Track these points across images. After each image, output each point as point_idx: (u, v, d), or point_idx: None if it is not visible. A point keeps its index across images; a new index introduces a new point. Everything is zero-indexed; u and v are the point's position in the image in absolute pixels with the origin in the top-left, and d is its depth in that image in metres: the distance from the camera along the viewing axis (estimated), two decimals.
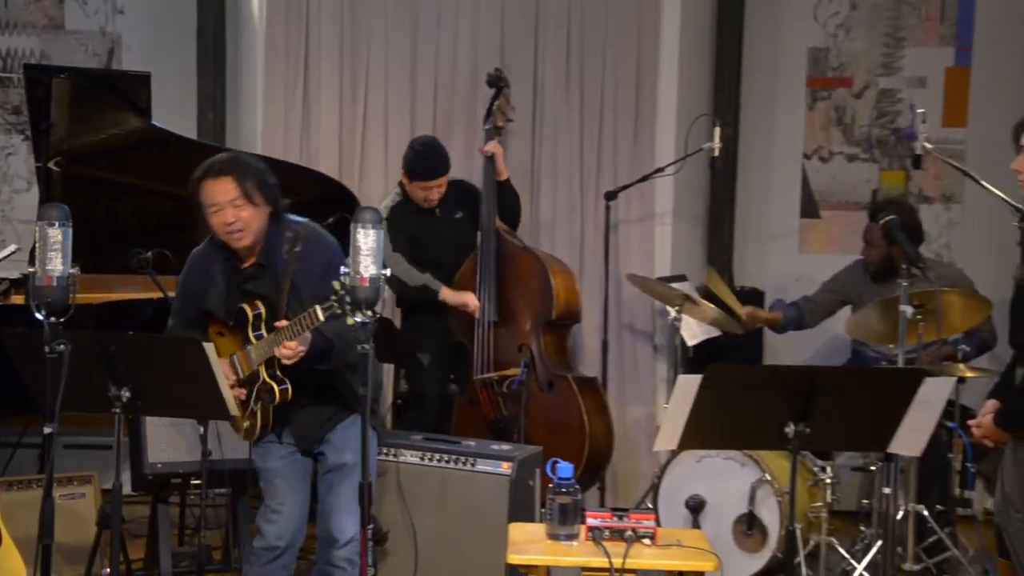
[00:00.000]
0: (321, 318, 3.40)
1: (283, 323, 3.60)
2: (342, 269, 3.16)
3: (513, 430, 5.17)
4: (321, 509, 3.90)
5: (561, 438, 5.17)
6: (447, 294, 5.36)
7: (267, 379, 3.73)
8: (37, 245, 3.16)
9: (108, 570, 3.77)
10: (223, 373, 3.51)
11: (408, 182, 5.39)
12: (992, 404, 3.61)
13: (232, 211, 3.69)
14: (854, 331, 5.05)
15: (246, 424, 3.84)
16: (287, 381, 3.73)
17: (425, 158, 5.37)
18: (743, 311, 5.47)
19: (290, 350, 3.58)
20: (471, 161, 5.81)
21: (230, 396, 3.50)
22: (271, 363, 3.72)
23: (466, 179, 5.65)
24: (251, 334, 3.74)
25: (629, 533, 3.49)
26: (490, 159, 5.48)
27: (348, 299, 3.15)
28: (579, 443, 5.22)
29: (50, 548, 3.25)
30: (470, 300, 5.33)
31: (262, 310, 3.74)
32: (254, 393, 3.76)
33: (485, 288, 5.38)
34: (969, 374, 4.84)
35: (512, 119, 5.78)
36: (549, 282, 5.36)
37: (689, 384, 3.29)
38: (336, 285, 3.17)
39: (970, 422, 3.66)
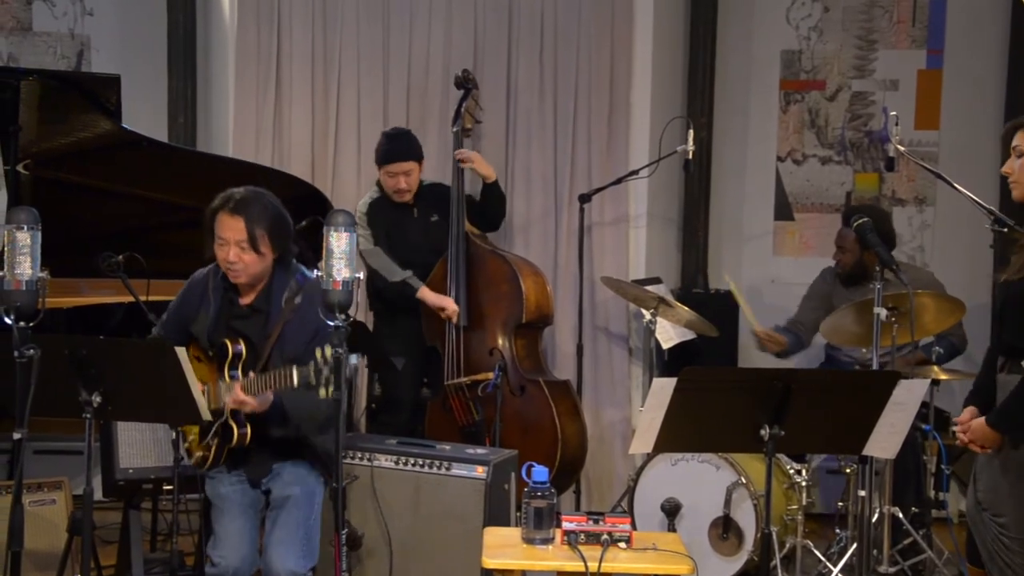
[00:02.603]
0: (295, 383, 3.40)
1: (252, 376, 3.62)
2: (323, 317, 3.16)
3: (485, 435, 5.17)
4: (264, 544, 3.87)
5: (533, 442, 5.17)
6: (427, 294, 5.35)
7: (230, 419, 3.72)
8: (6, 248, 3.14)
9: None
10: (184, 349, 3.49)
11: (379, 172, 5.41)
12: (971, 411, 3.62)
13: (235, 250, 3.72)
14: (829, 334, 5.08)
15: (199, 454, 3.85)
16: (247, 426, 3.73)
17: (390, 142, 5.41)
18: (760, 330, 5.48)
19: (236, 402, 3.61)
20: (445, 162, 5.80)
21: (202, 400, 3.49)
22: None
23: (438, 179, 5.64)
24: (227, 371, 3.74)
25: (605, 537, 3.49)
26: (459, 164, 5.47)
27: (325, 373, 3.16)
28: (551, 447, 5.22)
29: (19, 555, 3.23)
30: (449, 305, 5.33)
31: (243, 350, 3.75)
32: (214, 428, 3.74)
33: (455, 292, 5.37)
34: (943, 376, 4.87)
35: (481, 120, 5.78)
36: (519, 285, 5.36)
37: (664, 387, 3.30)
38: (318, 354, 3.18)
39: (956, 428, 3.67)
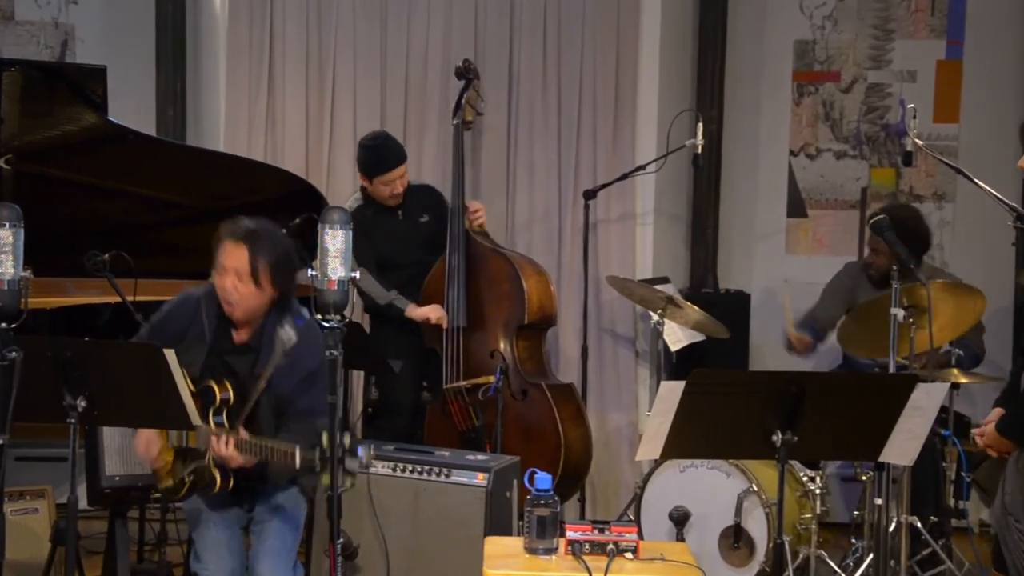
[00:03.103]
0: (297, 465, 3.37)
1: (245, 436, 3.59)
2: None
3: (485, 441, 5.17)
4: (252, 556, 3.87)
5: (535, 448, 5.17)
6: (413, 311, 5.36)
7: (212, 466, 3.69)
8: None
9: None
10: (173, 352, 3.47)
11: (370, 184, 5.38)
12: (997, 412, 3.63)
13: (233, 280, 3.72)
14: (844, 341, 5.06)
15: (168, 483, 3.84)
16: (231, 474, 3.70)
17: (379, 152, 5.39)
18: (794, 334, 5.48)
19: (222, 456, 3.58)
20: (444, 158, 5.81)
21: (192, 405, 3.48)
22: None
23: (438, 175, 5.65)
24: (211, 416, 3.71)
25: (610, 547, 3.49)
26: (459, 156, 5.46)
27: (329, 456, 3.12)
28: (555, 453, 5.22)
29: (1, 566, 3.22)
30: (431, 313, 5.33)
31: (231, 395, 3.73)
32: (193, 470, 3.73)
33: (454, 292, 5.37)
34: (963, 380, 4.87)
35: (482, 112, 5.78)
36: (521, 284, 5.36)
37: (672, 390, 3.30)
38: (324, 439, 3.13)
39: (973, 431, 3.68)
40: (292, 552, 3.86)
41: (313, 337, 3.72)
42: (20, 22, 6.44)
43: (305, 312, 3.84)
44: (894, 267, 4.44)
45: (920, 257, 4.66)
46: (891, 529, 4.64)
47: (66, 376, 3.34)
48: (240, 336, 3.85)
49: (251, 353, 3.81)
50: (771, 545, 4.63)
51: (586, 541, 3.51)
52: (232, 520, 3.92)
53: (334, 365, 3.13)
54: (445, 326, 5.35)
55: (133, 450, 4.26)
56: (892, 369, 4.46)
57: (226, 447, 3.57)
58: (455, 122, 5.57)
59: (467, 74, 5.64)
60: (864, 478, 4.92)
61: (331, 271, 3.11)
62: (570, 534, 3.52)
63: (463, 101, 5.58)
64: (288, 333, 3.62)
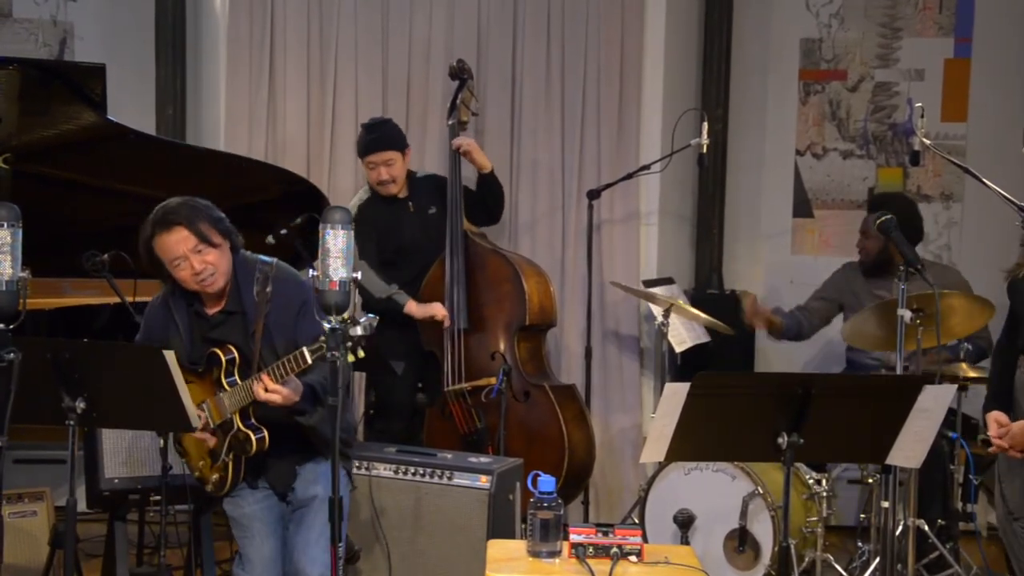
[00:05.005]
0: (309, 361, 3.39)
1: (262, 374, 3.56)
2: (310, 274, 3.15)
3: (487, 443, 5.17)
4: (289, 546, 3.88)
5: (539, 450, 5.17)
6: (413, 308, 5.36)
7: (242, 427, 3.70)
8: None
9: None
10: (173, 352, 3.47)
11: (363, 165, 5.44)
12: (1000, 415, 3.62)
13: (197, 259, 3.69)
14: (851, 337, 5.08)
15: (215, 476, 3.83)
16: (263, 430, 3.71)
17: (369, 131, 5.43)
18: (748, 299, 5.49)
19: (278, 395, 3.52)
20: (445, 156, 5.80)
21: (192, 407, 3.49)
22: (245, 412, 3.70)
23: (441, 174, 5.64)
24: (224, 380, 3.71)
25: (614, 550, 3.48)
26: (456, 155, 5.47)
27: (337, 339, 3.12)
28: (558, 455, 5.22)
29: None
30: (437, 311, 5.33)
31: (236, 355, 3.72)
32: (226, 443, 3.74)
33: (454, 294, 5.37)
34: (972, 374, 4.87)
35: (477, 113, 5.79)
36: (521, 286, 5.36)
37: (677, 392, 3.30)
38: (325, 325, 3.15)
39: (989, 435, 3.66)
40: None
41: (285, 272, 3.80)
42: (18, 19, 6.44)
43: (262, 256, 3.85)
44: (901, 266, 4.44)
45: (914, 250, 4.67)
46: (898, 532, 4.64)
47: (64, 377, 3.35)
48: (216, 307, 3.81)
49: (236, 316, 3.78)
50: (777, 548, 4.62)
51: (590, 544, 3.50)
52: (276, 524, 3.91)
53: (335, 367, 3.12)
54: (448, 325, 5.34)
55: (132, 453, 4.28)
56: (899, 371, 4.47)
57: (263, 389, 3.52)
58: (450, 122, 5.56)
59: (461, 74, 5.63)
60: (871, 481, 4.92)
61: (333, 272, 3.10)
62: (574, 537, 3.52)
63: (458, 101, 5.57)
64: (261, 281, 3.68)
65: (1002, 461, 3.61)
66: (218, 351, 3.73)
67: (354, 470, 4.46)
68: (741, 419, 3.37)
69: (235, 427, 3.71)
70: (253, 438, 3.70)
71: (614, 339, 6.07)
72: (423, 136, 6.05)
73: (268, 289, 3.69)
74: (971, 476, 4.94)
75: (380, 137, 5.41)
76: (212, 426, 3.74)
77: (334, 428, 3.14)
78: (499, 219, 5.71)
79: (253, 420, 3.71)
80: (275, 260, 3.85)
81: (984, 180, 4.55)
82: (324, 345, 3.17)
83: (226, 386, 3.71)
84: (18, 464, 5.48)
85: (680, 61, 6.27)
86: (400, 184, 5.44)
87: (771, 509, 4.68)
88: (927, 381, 3.40)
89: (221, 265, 3.73)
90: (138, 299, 4.62)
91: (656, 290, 5.57)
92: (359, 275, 3.18)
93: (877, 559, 4.66)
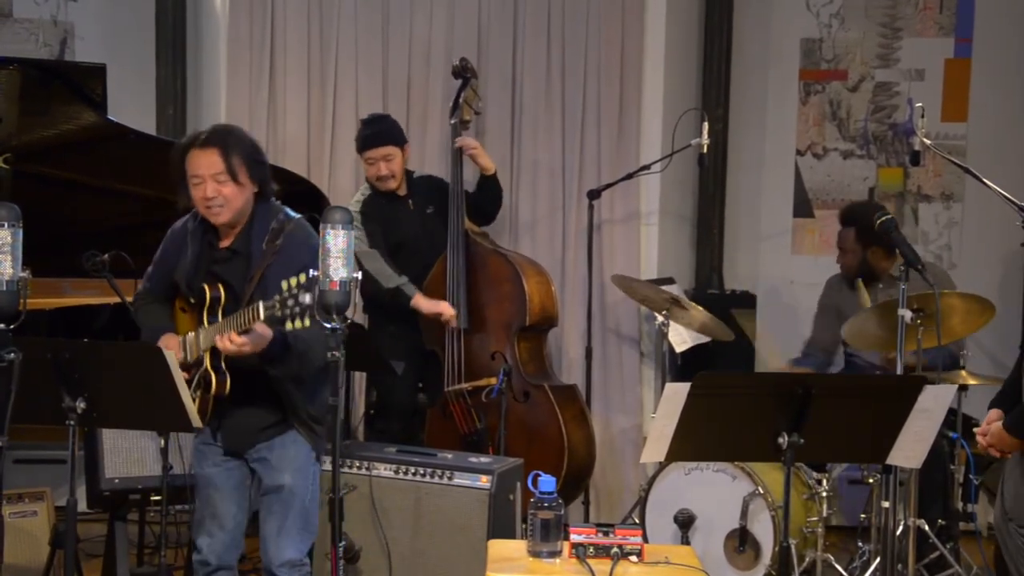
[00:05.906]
0: (261, 317, 3.36)
1: (220, 321, 3.58)
2: (311, 272, 3.15)
3: (488, 444, 5.17)
4: (261, 534, 3.85)
5: (539, 450, 5.17)
6: (420, 301, 5.34)
7: (208, 367, 3.67)
8: None
9: None
10: (173, 352, 3.48)
11: (362, 162, 5.45)
12: (996, 413, 3.63)
13: (213, 185, 3.66)
14: (851, 337, 5.07)
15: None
16: (227, 374, 3.66)
17: (368, 126, 5.45)
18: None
19: (233, 344, 3.50)
20: (446, 156, 5.80)
21: (192, 407, 3.49)
22: (216, 352, 3.65)
23: (445, 174, 5.64)
24: (205, 317, 3.69)
25: (615, 550, 3.49)
26: (457, 154, 5.47)
27: (291, 304, 3.15)
28: (558, 455, 5.22)
29: None
30: (445, 309, 5.32)
31: (222, 294, 3.69)
32: (195, 380, 3.72)
33: (455, 294, 5.37)
34: (972, 381, 4.87)
35: (480, 112, 5.79)
36: (522, 286, 5.36)
37: (677, 392, 3.30)
38: (284, 285, 3.16)
39: (976, 431, 3.68)
40: (301, 527, 3.81)
41: (303, 231, 3.75)
42: (19, 19, 6.44)
43: (289, 210, 3.82)
44: (903, 267, 4.44)
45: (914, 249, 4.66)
46: (898, 532, 4.64)
47: (65, 377, 3.35)
48: (226, 242, 3.78)
49: (240, 257, 3.75)
50: (777, 548, 4.62)
51: (590, 544, 3.50)
52: (235, 489, 3.86)
53: (336, 367, 3.12)
54: (454, 325, 5.34)
55: (132, 452, 4.29)
56: (899, 371, 4.47)
57: (232, 336, 3.50)
58: (452, 121, 5.56)
59: (464, 73, 5.63)
60: (871, 481, 4.91)
61: (333, 272, 3.10)
62: (574, 537, 3.52)
63: (460, 100, 5.57)
64: (276, 229, 3.66)
65: (1012, 462, 3.61)
66: (206, 287, 3.70)
67: (354, 470, 4.48)
68: (741, 419, 3.38)
69: (203, 365, 3.68)
70: (215, 379, 3.66)
71: (614, 339, 6.07)
72: (423, 136, 6.05)
73: (277, 242, 3.66)
74: (971, 476, 4.95)
75: (379, 132, 5.42)
76: (187, 361, 3.72)
77: (334, 429, 3.14)
78: (494, 219, 5.70)
79: (221, 362, 3.65)
80: (299, 217, 3.81)
81: (984, 180, 4.55)
82: (277, 304, 3.20)
83: (205, 323, 3.69)
84: (18, 464, 5.48)
85: (680, 61, 6.27)
86: (399, 179, 5.44)
87: (771, 509, 4.68)
88: (928, 381, 3.40)
89: (234, 202, 3.69)
90: None
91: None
92: (360, 275, 3.18)
93: (877, 559, 4.66)
